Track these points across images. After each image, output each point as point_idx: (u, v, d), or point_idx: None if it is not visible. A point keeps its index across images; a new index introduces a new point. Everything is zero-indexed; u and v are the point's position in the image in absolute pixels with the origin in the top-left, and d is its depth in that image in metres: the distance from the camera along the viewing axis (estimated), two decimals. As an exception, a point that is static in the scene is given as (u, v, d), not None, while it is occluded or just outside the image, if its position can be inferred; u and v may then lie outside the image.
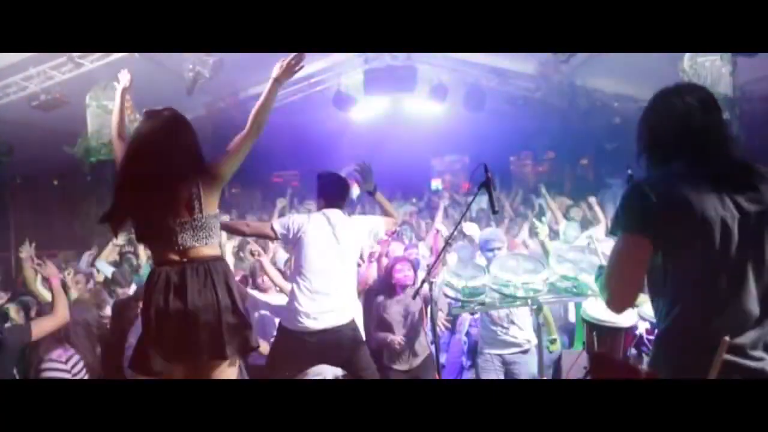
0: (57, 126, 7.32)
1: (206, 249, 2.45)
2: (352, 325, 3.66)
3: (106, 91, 7.86)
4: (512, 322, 4.09)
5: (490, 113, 9.92)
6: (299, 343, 3.47)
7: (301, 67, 2.73)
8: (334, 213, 3.62)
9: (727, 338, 1.56)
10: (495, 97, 9.55)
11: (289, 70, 2.70)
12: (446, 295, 3.64)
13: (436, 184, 12.93)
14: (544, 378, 3.40)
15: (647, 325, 2.85)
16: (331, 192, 3.68)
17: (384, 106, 10.50)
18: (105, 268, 5.60)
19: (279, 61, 2.71)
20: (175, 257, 2.42)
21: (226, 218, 5.79)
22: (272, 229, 3.56)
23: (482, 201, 7.00)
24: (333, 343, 3.50)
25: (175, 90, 7.47)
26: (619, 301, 1.80)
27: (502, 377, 4.07)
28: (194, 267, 2.39)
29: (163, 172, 2.38)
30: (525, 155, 12.07)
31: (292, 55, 2.72)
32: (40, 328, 3.25)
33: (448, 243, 4.38)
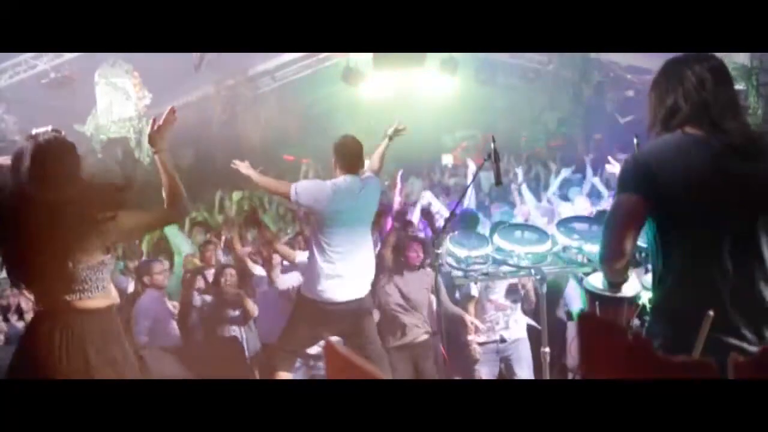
0: (67, 104, 7.38)
1: (80, 303, 2.06)
2: (369, 297, 3.66)
3: (114, 68, 7.94)
4: (506, 327, 4.07)
5: (501, 87, 9.81)
6: (319, 313, 3.45)
7: (176, 119, 2.31)
8: (354, 179, 3.55)
9: (711, 312, 1.52)
10: (506, 70, 9.44)
11: (161, 130, 2.26)
12: (449, 265, 3.61)
13: (447, 159, 12.82)
14: (546, 350, 3.38)
15: (650, 295, 2.81)
16: (348, 157, 3.59)
17: (394, 81, 10.39)
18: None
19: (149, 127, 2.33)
20: (47, 309, 2.09)
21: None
22: (293, 191, 3.41)
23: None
24: (351, 314, 3.50)
25: (181, 66, 7.48)
26: (608, 256, 1.79)
27: (498, 360, 4.07)
28: (59, 325, 2.03)
29: (30, 210, 1.98)
30: (538, 129, 11.93)
31: (163, 115, 2.30)
32: None
33: (453, 214, 4.36)
